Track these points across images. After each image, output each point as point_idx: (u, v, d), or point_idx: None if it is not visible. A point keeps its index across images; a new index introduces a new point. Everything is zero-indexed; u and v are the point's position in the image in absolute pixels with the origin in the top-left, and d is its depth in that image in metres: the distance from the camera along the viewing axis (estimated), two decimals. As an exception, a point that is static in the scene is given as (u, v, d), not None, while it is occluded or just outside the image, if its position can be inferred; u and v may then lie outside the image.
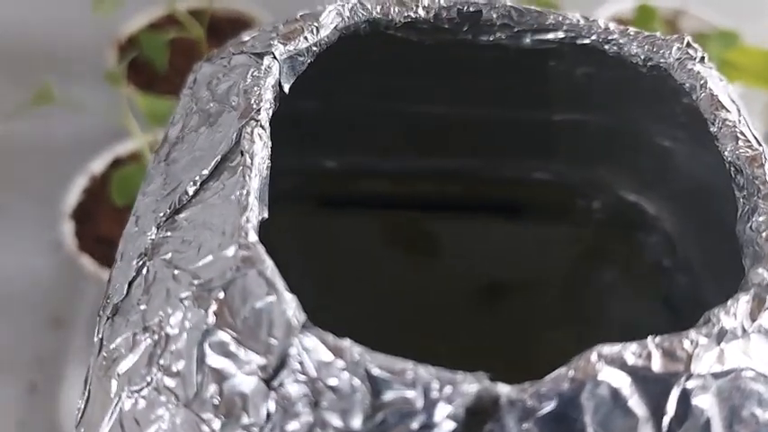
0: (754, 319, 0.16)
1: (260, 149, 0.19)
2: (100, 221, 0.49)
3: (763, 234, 0.18)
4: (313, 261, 0.34)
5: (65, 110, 0.69)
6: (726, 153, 0.20)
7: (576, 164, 0.33)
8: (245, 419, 0.15)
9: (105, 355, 0.18)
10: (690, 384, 0.15)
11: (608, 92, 0.30)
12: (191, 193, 0.19)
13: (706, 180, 0.29)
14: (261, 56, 0.21)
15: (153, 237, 0.19)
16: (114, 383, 0.17)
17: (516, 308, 0.35)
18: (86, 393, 0.19)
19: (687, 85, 0.22)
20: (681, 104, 0.27)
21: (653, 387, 0.15)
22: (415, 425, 0.14)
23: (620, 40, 0.23)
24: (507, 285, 0.36)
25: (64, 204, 0.50)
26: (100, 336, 0.19)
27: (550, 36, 0.25)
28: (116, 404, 0.17)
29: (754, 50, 0.56)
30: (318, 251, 0.34)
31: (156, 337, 0.17)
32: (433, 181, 0.34)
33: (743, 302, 0.16)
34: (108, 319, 0.19)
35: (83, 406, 0.19)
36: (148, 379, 0.17)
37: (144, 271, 0.19)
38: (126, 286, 0.19)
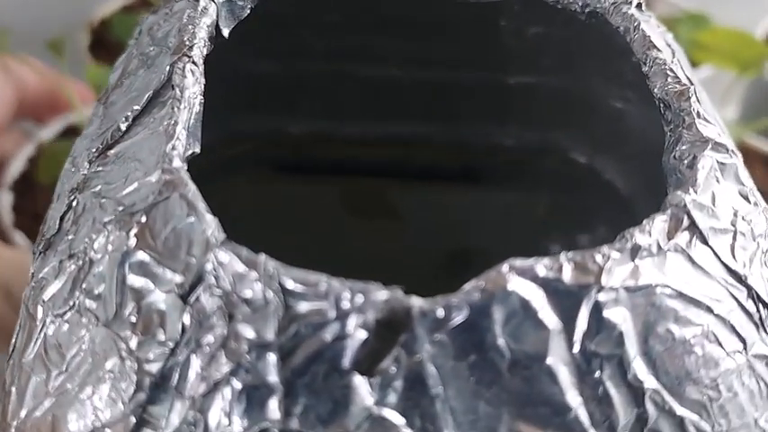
0: (670, 238, 0.16)
1: (191, 84, 0.19)
2: (39, 196, 0.45)
3: (685, 161, 0.18)
4: (271, 228, 0.34)
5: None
6: (655, 90, 0.20)
7: (530, 128, 0.33)
8: (161, 336, 0.15)
9: (34, 285, 0.18)
10: (601, 297, 0.15)
11: (559, 53, 0.30)
12: (123, 129, 0.19)
13: (657, 141, 0.29)
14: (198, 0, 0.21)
15: (85, 172, 0.19)
16: (40, 310, 0.17)
17: (480, 273, 0.35)
18: (18, 327, 0.19)
19: (621, 27, 0.22)
20: (630, 63, 0.27)
21: (564, 299, 0.15)
22: (327, 336, 0.15)
23: (557, -9, 0.24)
24: (469, 251, 0.36)
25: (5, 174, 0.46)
26: (32, 270, 0.19)
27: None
28: (41, 329, 0.17)
29: (723, 31, 0.56)
30: (277, 218, 0.34)
31: (80, 262, 0.17)
32: (392, 147, 0.35)
33: (659, 221, 0.16)
34: (40, 253, 0.19)
35: (14, 340, 0.19)
36: (71, 303, 0.17)
37: (74, 204, 0.19)
38: (58, 221, 0.19)
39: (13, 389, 0.18)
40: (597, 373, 0.15)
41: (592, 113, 0.31)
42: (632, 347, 0.15)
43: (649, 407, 0.15)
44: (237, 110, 0.33)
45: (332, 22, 0.30)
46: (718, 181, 0.18)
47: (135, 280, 0.16)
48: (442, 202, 0.36)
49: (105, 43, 0.60)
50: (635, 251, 0.16)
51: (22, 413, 0.17)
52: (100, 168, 0.19)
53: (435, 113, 0.34)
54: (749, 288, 0.17)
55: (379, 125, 0.34)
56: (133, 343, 0.15)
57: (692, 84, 0.20)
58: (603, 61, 0.29)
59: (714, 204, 0.17)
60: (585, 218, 0.33)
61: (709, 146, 0.18)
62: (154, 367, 0.15)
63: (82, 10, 0.61)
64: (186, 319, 0.15)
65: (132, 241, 0.16)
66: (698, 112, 0.19)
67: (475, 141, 0.34)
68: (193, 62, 0.19)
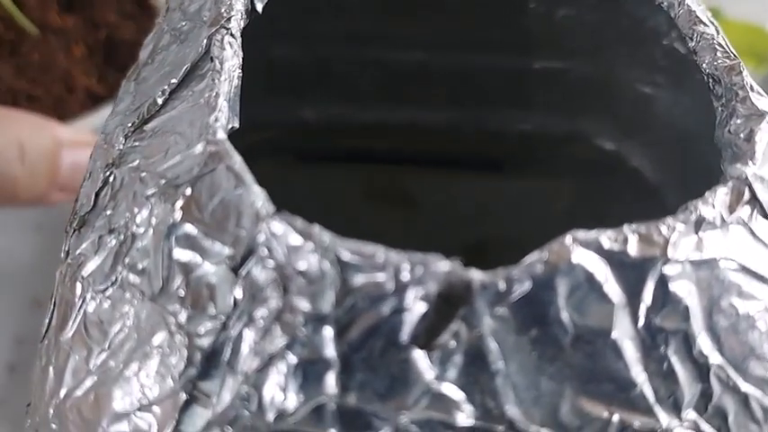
0: (732, 211, 0.16)
1: (230, 56, 0.19)
2: None
3: (741, 135, 0.18)
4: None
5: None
6: (704, 65, 0.20)
7: (555, 114, 0.33)
8: (212, 309, 0.15)
9: (70, 262, 0.18)
10: (667, 270, 0.15)
11: (588, 36, 0.30)
12: (160, 103, 0.19)
13: (687, 126, 0.29)
14: (232, -27, 0.21)
15: (121, 147, 0.19)
16: (79, 287, 0.17)
17: (502, 262, 0.35)
18: (51, 307, 0.18)
19: (666, 3, 0.22)
20: (661, 47, 0.27)
21: (629, 272, 0.15)
22: (385, 309, 0.14)
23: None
24: (491, 241, 0.35)
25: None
26: (66, 248, 0.19)
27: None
28: (80, 307, 0.17)
29: (736, 24, 0.56)
30: (294, 206, 0.34)
31: (121, 237, 0.17)
32: (413, 134, 0.34)
33: (721, 194, 0.16)
34: (74, 231, 0.19)
35: (47, 321, 0.18)
36: (113, 278, 0.16)
37: (111, 179, 0.18)
38: (93, 197, 0.19)
39: (51, 368, 0.17)
40: (662, 349, 0.15)
41: (619, 99, 0.31)
42: (697, 322, 0.15)
43: (714, 383, 0.15)
44: (256, 96, 0.32)
45: (354, 4, 0.30)
46: (777, 154, 0.17)
47: (182, 253, 0.15)
48: (463, 191, 0.35)
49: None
50: (699, 223, 0.15)
51: (62, 392, 0.16)
52: (137, 143, 0.18)
53: (457, 99, 0.33)
54: (810, 263, 0.16)
55: (400, 111, 0.33)
56: (182, 317, 0.15)
57: (738, 58, 0.20)
58: (633, 45, 0.28)
59: (775, 177, 0.17)
60: (612, 206, 0.33)
61: (766, 118, 0.18)
62: (205, 341, 0.15)
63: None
64: (238, 292, 0.15)
65: (178, 214, 0.16)
66: (751, 85, 0.19)
67: (498, 128, 0.34)
68: (231, 34, 0.19)
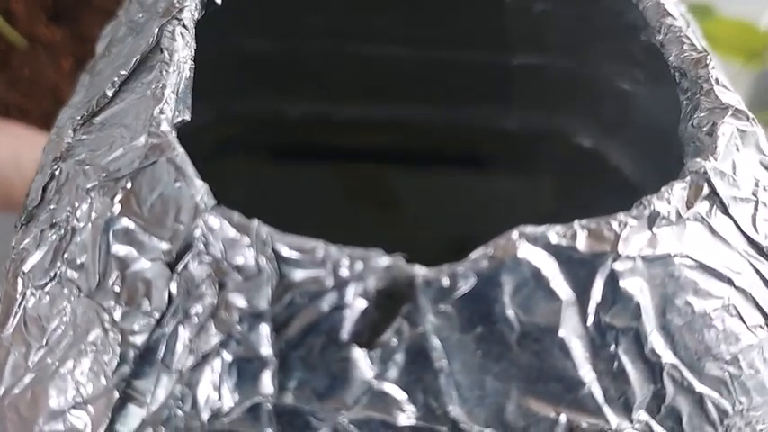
0: (690, 206, 0.15)
1: (181, 47, 0.18)
2: None
3: (704, 129, 0.17)
4: (265, 215, 0.33)
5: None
6: (671, 58, 0.19)
7: (535, 111, 0.32)
8: (147, 306, 0.14)
9: (14, 257, 0.17)
10: (618, 266, 0.14)
11: (565, 32, 0.29)
12: (109, 95, 0.18)
13: (667, 123, 0.28)
14: (189, -37, 0.21)
15: (69, 140, 0.18)
16: (20, 282, 0.17)
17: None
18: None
19: (636, -5, 0.21)
20: (638, 42, 0.27)
21: (578, 268, 0.14)
22: (324, 306, 0.14)
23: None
24: (471, 237, 0.35)
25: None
26: (12, 243, 0.18)
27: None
28: (20, 302, 0.16)
29: (728, 22, 0.56)
30: (271, 204, 0.34)
31: (62, 231, 0.16)
32: (392, 131, 0.34)
33: (678, 189, 0.16)
34: (22, 226, 0.18)
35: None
36: (52, 274, 0.16)
37: (57, 173, 0.18)
38: (40, 192, 0.18)
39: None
40: (612, 347, 0.14)
41: (598, 95, 0.30)
42: (649, 320, 0.15)
43: (667, 383, 0.15)
44: (231, 90, 0.32)
45: (330, 1, 0.29)
46: (738, 149, 0.17)
47: (119, 248, 0.15)
48: (443, 188, 0.35)
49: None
50: (653, 219, 0.15)
51: (1, 390, 0.16)
52: (84, 136, 0.18)
53: (437, 95, 0.33)
54: (771, 259, 0.16)
55: (378, 108, 0.33)
56: (117, 314, 0.15)
57: (706, 51, 0.19)
58: (611, 40, 0.28)
59: (735, 173, 0.16)
60: (592, 203, 0.32)
61: (729, 112, 0.17)
62: (139, 339, 0.14)
63: None
64: (173, 287, 0.14)
65: (117, 208, 0.15)
66: (716, 78, 0.18)
67: (477, 125, 0.33)
68: (183, 25, 0.19)
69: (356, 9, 0.29)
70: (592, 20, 0.28)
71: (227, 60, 0.30)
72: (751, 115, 0.18)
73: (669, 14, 0.20)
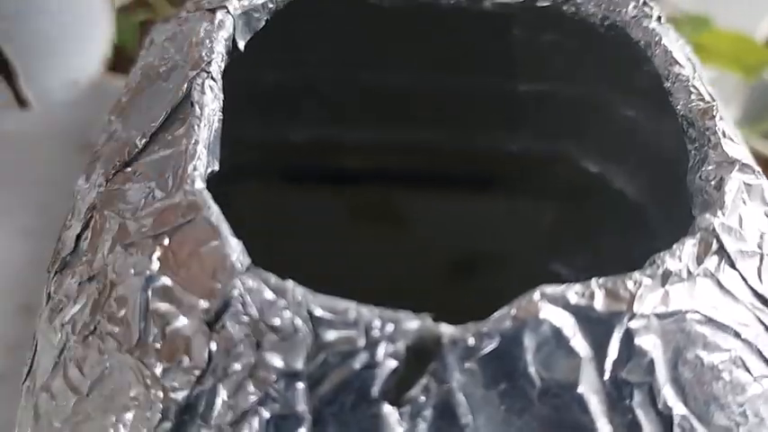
0: (700, 263, 0.16)
1: (210, 101, 0.19)
2: None
3: (712, 182, 0.18)
4: (277, 235, 0.34)
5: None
6: (678, 107, 0.20)
7: (542, 136, 0.33)
8: (187, 362, 0.15)
9: (51, 306, 0.18)
10: (633, 324, 0.15)
11: (572, 60, 0.30)
12: (140, 145, 0.19)
13: (670, 149, 0.29)
14: (214, 11, 0.21)
15: (101, 190, 0.19)
16: (59, 333, 0.17)
17: (488, 280, 0.35)
18: (33, 349, 0.19)
19: (642, 42, 0.22)
20: (642, 72, 0.27)
21: (596, 327, 0.15)
22: (357, 364, 0.14)
23: (578, 0, 0.23)
24: (479, 258, 0.36)
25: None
26: (48, 290, 0.19)
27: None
28: (60, 352, 0.17)
29: (724, 34, 0.56)
30: (283, 225, 0.34)
31: (100, 285, 0.17)
32: (402, 154, 0.34)
33: (689, 246, 0.16)
34: (56, 273, 0.19)
35: (29, 363, 0.19)
36: (92, 327, 0.17)
37: (92, 223, 0.18)
38: (74, 240, 0.19)
39: (32, 413, 0.17)
40: (627, 401, 0.15)
41: (603, 122, 0.31)
42: (662, 374, 0.15)
43: (678, 434, 0.15)
44: (243, 118, 0.32)
45: (345, 31, 0.30)
46: (744, 203, 0.18)
47: (159, 305, 0.16)
48: (451, 209, 0.36)
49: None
50: (666, 277, 0.16)
51: (43, 438, 0.17)
52: (117, 186, 0.19)
53: (445, 120, 0.34)
54: (777, 311, 0.17)
55: (387, 132, 0.34)
56: (158, 370, 0.15)
57: (714, 101, 0.20)
58: (616, 70, 0.29)
59: (741, 227, 0.17)
60: (596, 226, 0.33)
61: (736, 167, 0.18)
62: (180, 395, 0.15)
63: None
64: (213, 346, 0.15)
65: (156, 265, 0.16)
66: (723, 131, 0.19)
67: (484, 148, 0.34)
68: (212, 78, 0.19)
69: (367, 38, 0.30)
70: (595, 50, 0.29)
71: (241, 90, 0.31)
72: (757, 168, 0.19)
73: (677, 62, 0.21)
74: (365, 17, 0.27)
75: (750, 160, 0.19)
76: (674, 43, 0.22)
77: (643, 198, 0.32)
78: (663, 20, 0.23)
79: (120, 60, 0.59)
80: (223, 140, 0.32)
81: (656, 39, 0.21)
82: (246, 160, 0.33)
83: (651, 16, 0.22)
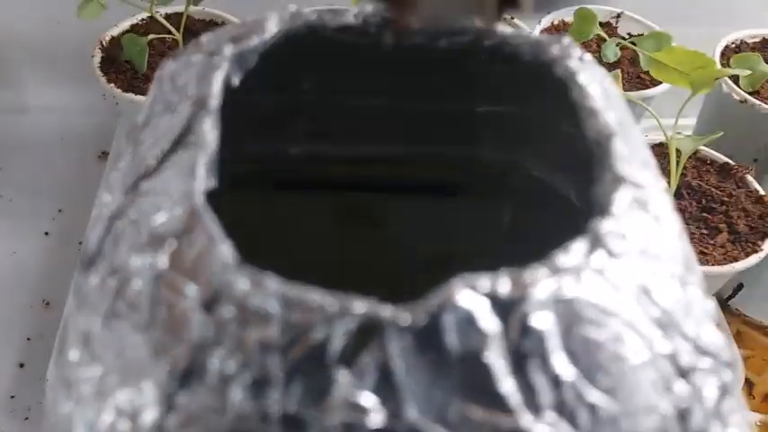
0: (588, 258, 0.20)
1: (208, 131, 0.23)
2: None
3: (608, 195, 0.22)
4: (273, 237, 0.38)
5: (51, 108, 0.73)
6: (588, 132, 0.24)
7: (499, 149, 0.37)
8: (187, 337, 0.19)
9: (79, 298, 0.22)
10: (530, 307, 0.19)
11: (521, 87, 0.34)
12: (153, 165, 0.23)
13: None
14: (212, 54, 0.25)
15: (121, 201, 0.23)
16: (86, 319, 0.21)
17: (457, 273, 0.39)
18: (61, 335, 0.23)
19: (563, 78, 0.26)
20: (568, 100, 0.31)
21: (501, 308, 0.19)
22: (318, 335, 0.19)
23: (514, 43, 0.27)
24: (447, 255, 0.40)
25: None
26: (76, 286, 0.23)
27: (461, 39, 0.29)
28: (87, 334, 0.21)
29: (678, 51, 0.60)
30: (278, 227, 0.38)
31: (120, 279, 0.21)
32: (382, 165, 0.39)
33: (579, 245, 0.20)
34: (83, 269, 0.23)
35: (58, 346, 0.23)
36: (114, 312, 0.21)
37: (113, 229, 0.23)
38: (98, 242, 0.23)
39: (63, 384, 0.22)
40: (526, 366, 0.19)
41: (549, 137, 0.35)
42: (555, 346, 0.19)
43: (568, 392, 0.19)
44: (244, 134, 0.36)
45: (331, 63, 0.34)
46: (631, 211, 0.22)
47: (166, 294, 0.20)
48: (423, 213, 0.40)
49: (115, 61, 0.64)
50: (558, 269, 0.20)
51: (75, 396, 0.21)
52: (134, 199, 0.23)
53: (416, 137, 0.38)
54: (653, 298, 0.21)
55: (368, 147, 0.38)
56: (166, 343, 0.19)
57: (618, 129, 0.24)
58: (557, 94, 0.33)
59: (627, 231, 0.21)
60: (547, 226, 0.37)
61: (627, 182, 0.22)
62: (181, 363, 0.19)
63: (93, 28, 0.65)
64: (209, 324, 0.19)
65: (163, 263, 0.20)
66: (621, 154, 0.23)
67: (451, 160, 0.38)
68: (210, 112, 0.23)
69: (349, 70, 0.34)
70: (541, 78, 0.33)
71: (238, 110, 0.35)
72: (648, 183, 0.23)
73: (590, 95, 0.25)
74: (345, 53, 0.31)
75: (643, 176, 0.23)
76: (594, 77, 0.26)
77: (582, 202, 0.36)
78: (585, 58, 0.27)
79: (129, 77, 0.63)
80: (225, 153, 0.36)
81: (573, 75, 0.25)
82: (246, 170, 0.37)
83: (572, 56, 0.26)
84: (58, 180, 0.68)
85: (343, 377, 0.19)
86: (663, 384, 0.21)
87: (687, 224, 0.58)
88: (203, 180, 0.22)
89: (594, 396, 0.20)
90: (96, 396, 0.20)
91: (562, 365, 0.19)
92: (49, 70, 0.73)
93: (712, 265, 0.55)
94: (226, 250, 0.20)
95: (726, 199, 0.58)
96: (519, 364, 0.19)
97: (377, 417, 0.19)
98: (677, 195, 0.60)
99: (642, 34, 0.68)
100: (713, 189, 0.59)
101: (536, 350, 0.19)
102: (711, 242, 0.56)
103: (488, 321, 0.19)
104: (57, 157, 0.70)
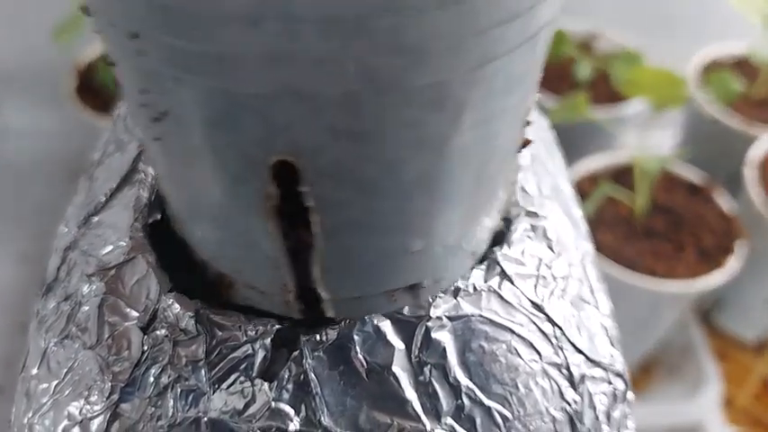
0: (485, 282, 0.24)
1: (152, 169, 0.27)
2: None
3: (508, 224, 0.26)
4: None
5: (27, 132, 0.78)
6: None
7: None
8: (127, 354, 0.23)
9: (39, 319, 0.26)
10: (431, 324, 0.23)
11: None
12: (103, 201, 0.27)
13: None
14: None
15: (75, 233, 0.27)
16: (44, 338, 0.25)
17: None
18: (26, 352, 0.27)
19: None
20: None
21: (405, 326, 0.23)
22: (240, 354, 0.22)
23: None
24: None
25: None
26: (37, 308, 0.27)
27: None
28: (44, 352, 0.25)
29: (650, 70, 0.64)
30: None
31: (72, 303, 0.25)
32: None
33: (477, 270, 0.24)
34: (43, 295, 0.27)
35: (22, 362, 0.27)
36: (66, 332, 0.24)
37: (67, 259, 0.26)
38: (55, 271, 0.27)
39: (24, 394, 0.25)
40: (428, 376, 0.23)
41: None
42: (453, 358, 0.23)
43: (465, 399, 0.23)
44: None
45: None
46: (530, 238, 0.25)
47: (110, 317, 0.24)
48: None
49: (91, 86, 0.68)
50: (456, 291, 0.23)
51: (30, 411, 0.25)
52: (85, 232, 0.27)
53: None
54: (546, 315, 0.25)
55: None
56: (109, 360, 0.23)
57: (528, 162, 0.28)
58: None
59: (523, 256, 0.25)
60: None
61: (524, 213, 0.26)
62: (123, 377, 0.23)
63: (69, 53, 0.69)
64: (146, 343, 0.23)
65: (108, 289, 0.24)
66: (522, 186, 0.27)
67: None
68: (154, 152, 0.27)
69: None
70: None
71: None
72: (546, 213, 0.26)
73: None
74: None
75: (541, 208, 0.26)
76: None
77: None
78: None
79: (103, 101, 0.68)
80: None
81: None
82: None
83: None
84: (34, 203, 0.72)
85: (263, 388, 0.22)
86: (555, 392, 0.24)
87: (656, 241, 0.62)
88: (146, 214, 0.25)
89: (489, 402, 0.23)
90: (52, 406, 0.24)
91: (460, 375, 0.23)
92: (25, 94, 0.78)
93: (680, 280, 0.59)
94: (162, 278, 0.23)
95: (693, 217, 0.62)
96: (421, 374, 0.23)
97: (294, 423, 0.22)
98: (648, 213, 0.63)
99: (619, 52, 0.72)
100: (681, 207, 0.63)
101: (436, 362, 0.23)
102: (678, 258, 0.60)
103: (393, 337, 0.23)
104: (33, 181, 0.74)
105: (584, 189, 0.64)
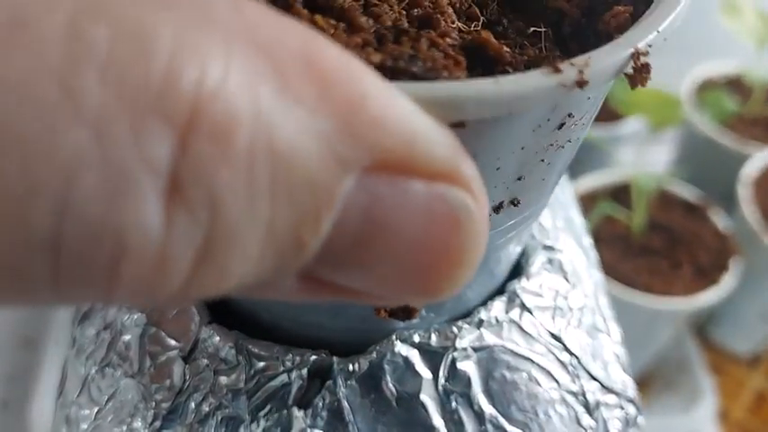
0: (506, 313, 0.26)
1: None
2: None
3: (526, 258, 0.27)
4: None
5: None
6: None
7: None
8: (169, 383, 0.24)
9: (77, 348, 0.27)
10: (456, 354, 0.25)
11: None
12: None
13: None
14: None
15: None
16: (84, 365, 0.27)
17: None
18: (62, 377, 0.28)
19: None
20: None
21: (432, 356, 0.24)
22: (278, 383, 0.24)
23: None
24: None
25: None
26: (74, 335, 0.28)
27: None
28: (85, 379, 0.26)
29: (646, 91, 0.66)
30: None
31: (113, 332, 0.26)
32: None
33: (498, 302, 0.26)
34: (79, 323, 0.28)
35: (60, 387, 0.28)
36: (108, 361, 0.26)
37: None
38: (91, 300, 0.28)
39: (64, 421, 0.27)
40: (454, 404, 0.24)
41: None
42: (477, 387, 0.25)
43: (489, 426, 0.25)
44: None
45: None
46: (547, 271, 0.27)
47: (151, 346, 0.25)
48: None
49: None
50: (480, 323, 0.25)
51: (74, 436, 0.26)
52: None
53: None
54: (564, 344, 0.26)
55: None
56: (152, 389, 0.25)
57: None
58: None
59: (541, 288, 0.27)
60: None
61: (540, 247, 0.27)
62: (165, 405, 0.24)
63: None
64: (187, 372, 0.24)
65: (149, 319, 0.25)
66: (539, 223, 0.28)
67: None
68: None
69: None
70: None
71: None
72: (561, 246, 0.28)
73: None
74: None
75: (555, 243, 0.28)
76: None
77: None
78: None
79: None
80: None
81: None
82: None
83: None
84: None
85: (299, 416, 0.24)
86: (572, 418, 0.26)
87: (653, 258, 0.64)
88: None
89: (511, 428, 0.25)
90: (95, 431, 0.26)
91: (483, 402, 0.25)
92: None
93: (677, 297, 0.61)
94: (202, 309, 0.25)
95: (689, 235, 0.64)
96: (448, 402, 0.24)
97: (328, 448, 0.24)
98: (645, 231, 0.65)
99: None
100: (677, 225, 0.65)
101: (462, 391, 0.25)
102: (675, 275, 0.62)
103: (421, 367, 0.24)
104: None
105: (582, 207, 0.65)
